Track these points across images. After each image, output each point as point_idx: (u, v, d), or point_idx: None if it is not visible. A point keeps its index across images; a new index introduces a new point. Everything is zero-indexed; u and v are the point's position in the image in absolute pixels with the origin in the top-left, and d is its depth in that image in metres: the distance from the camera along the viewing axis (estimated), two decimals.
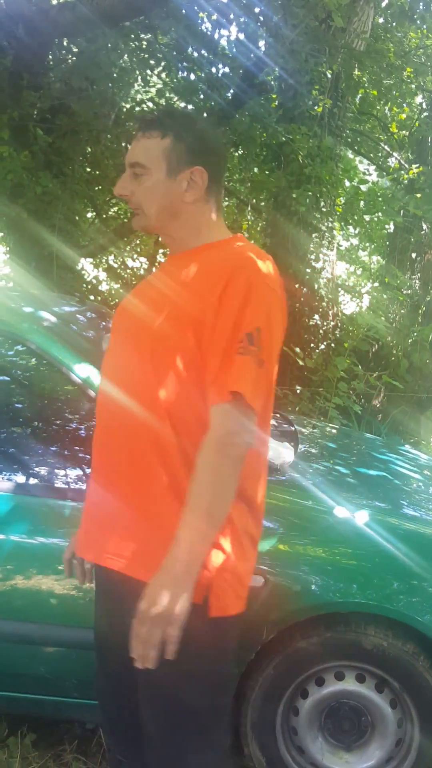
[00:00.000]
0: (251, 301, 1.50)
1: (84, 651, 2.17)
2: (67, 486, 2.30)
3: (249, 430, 1.51)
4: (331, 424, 4.65)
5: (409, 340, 7.19)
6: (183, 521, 1.46)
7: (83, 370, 2.29)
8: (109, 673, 1.79)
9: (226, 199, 10.72)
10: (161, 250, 12.04)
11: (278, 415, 3.54)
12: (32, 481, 2.40)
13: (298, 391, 6.19)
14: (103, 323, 3.29)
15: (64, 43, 6.29)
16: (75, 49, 6.25)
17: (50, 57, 6.26)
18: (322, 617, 2.20)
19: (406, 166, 8.92)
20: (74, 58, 6.27)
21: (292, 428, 3.34)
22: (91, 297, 7.69)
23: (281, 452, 2.74)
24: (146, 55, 6.81)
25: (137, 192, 1.64)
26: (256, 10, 6.16)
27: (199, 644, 1.50)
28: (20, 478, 2.39)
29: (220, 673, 1.62)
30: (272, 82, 6.99)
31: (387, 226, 9.63)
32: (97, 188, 8.77)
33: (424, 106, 9.36)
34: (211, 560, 1.52)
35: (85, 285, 8.52)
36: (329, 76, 6.72)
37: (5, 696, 2.31)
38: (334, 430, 4.12)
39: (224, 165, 1.84)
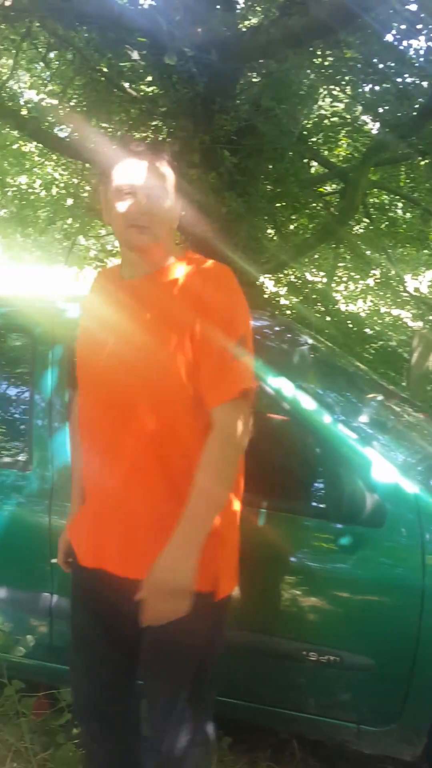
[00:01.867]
0: (238, 309, 1.73)
1: (280, 661, 2.23)
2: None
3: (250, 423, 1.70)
4: None
5: None
6: (194, 508, 1.61)
7: (276, 383, 2.34)
8: (92, 662, 1.91)
9: (411, 209, 10.51)
10: (340, 264, 12.04)
11: None
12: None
13: None
14: (291, 335, 3.34)
15: (255, 66, 6.43)
16: (264, 72, 6.38)
17: (241, 81, 6.44)
18: None
19: None
20: (263, 80, 6.40)
21: None
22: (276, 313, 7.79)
23: None
24: (332, 71, 6.82)
25: (151, 211, 1.74)
26: None
27: (203, 624, 1.70)
28: None
29: (215, 648, 1.80)
30: None
31: None
32: (278, 205, 8.91)
33: None
34: (215, 550, 1.68)
35: (266, 301, 8.66)
36: None
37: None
38: None
39: None
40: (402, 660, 2.15)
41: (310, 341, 3.42)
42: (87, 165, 8.38)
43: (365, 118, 8.01)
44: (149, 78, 6.88)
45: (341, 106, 7.88)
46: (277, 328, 3.39)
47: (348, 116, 7.98)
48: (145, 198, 1.69)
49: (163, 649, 1.72)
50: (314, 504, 2.47)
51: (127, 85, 6.98)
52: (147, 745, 1.79)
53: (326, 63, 6.94)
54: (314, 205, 9.75)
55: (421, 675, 2.14)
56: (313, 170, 9.50)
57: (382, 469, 2.22)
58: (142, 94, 7.15)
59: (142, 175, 1.70)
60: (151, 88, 7.15)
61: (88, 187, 9.18)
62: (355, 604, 2.21)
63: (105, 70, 6.95)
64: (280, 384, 2.34)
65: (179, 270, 1.76)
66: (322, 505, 2.37)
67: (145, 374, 1.69)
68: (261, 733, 2.61)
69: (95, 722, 1.94)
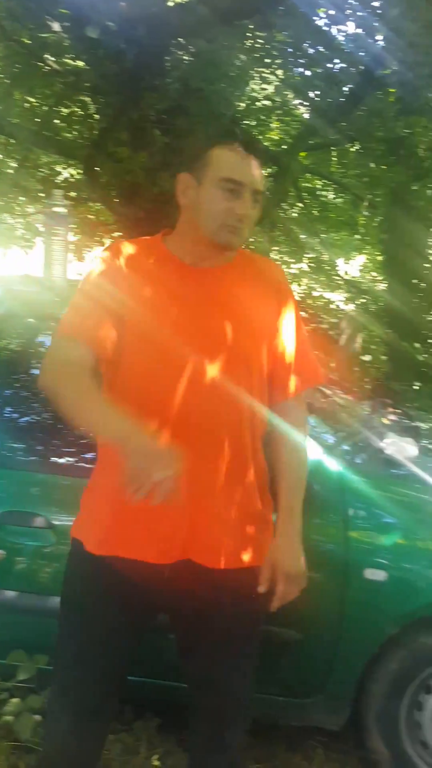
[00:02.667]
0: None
1: None
2: None
3: None
4: None
5: None
6: (297, 497, 1.73)
7: None
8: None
9: (342, 195, 10.65)
10: (274, 247, 12.11)
11: (399, 411, 3.50)
12: None
13: (417, 387, 6.08)
14: None
15: (183, 44, 6.38)
16: (193, 50, 6.34)
17: (168, 58, 6.38)
18: None
19: None
20: (192, 59, 6.37)
21: (414, 423, 3.30)
22: None
23: (404, 447, 2.72)
24: (262, 54, 6.83)
25: (253, 215, 1.67)
26: (375, 3, 6.09)
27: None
28: None
29: None
30: (391, 76, 6.87)
31: None
32: None
33: None
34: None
35: None
36: None
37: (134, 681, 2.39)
38: None
39: None
40: (327, 633, 2.20)
41: None
42: (11, 140, 8.18)
43: (296, 102, 8.04)
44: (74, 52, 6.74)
45: (271, 89, 7.89)
46: None
47: (279, 100, 8.01)
48: (252, 201, 1.64)
49: (245, 642, 1.75)
50: None
51: (51, 58, 6.83)
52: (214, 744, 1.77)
53: (257, 45, 6.95)
54: None
55: (344, 646, 2.20)
56: None
57: (308, 448, 2.25)
58: (67, 68, 7.00)
59: (254, 176, 1.63)
60: (77, 62, 7.00)
61: (13, 164, 8.97)
62: None
63: (26, 41, 6.77)
64: None
65: (247, 264, 1.76)
66: None
67: (249, 362, 1.69)
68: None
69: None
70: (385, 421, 3.20)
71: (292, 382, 1.76)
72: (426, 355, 6.28)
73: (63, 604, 1.75)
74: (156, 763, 2.38)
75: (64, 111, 7.86)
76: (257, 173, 1.64)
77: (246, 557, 1.69)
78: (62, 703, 1.73)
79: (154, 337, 1.65)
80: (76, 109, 7.81)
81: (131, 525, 1.63)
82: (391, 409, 3.48)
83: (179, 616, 1.74)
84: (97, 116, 7.54)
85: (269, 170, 9.66)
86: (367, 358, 7.24)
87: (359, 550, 2.21)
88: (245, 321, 1.69)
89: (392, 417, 3.33)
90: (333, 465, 2.28)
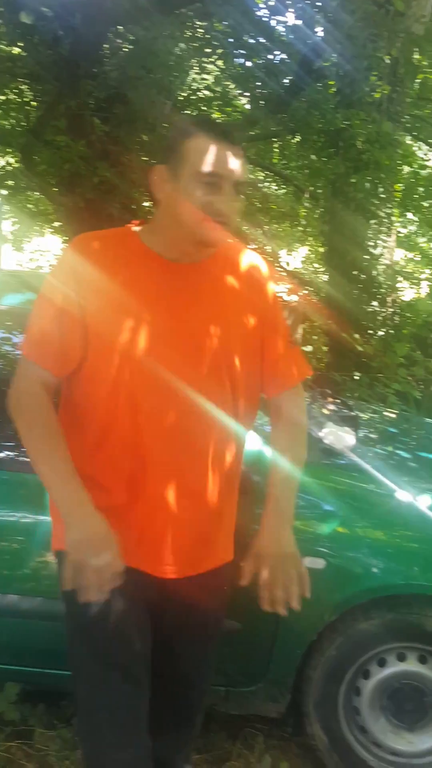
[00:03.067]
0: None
1: None
2: None
3: None
4: (390, 410, 4.63)
5: None
6: (293, 482, 1.74)
7: None
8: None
9: (283, 186, 10.70)
10: None
11: (338, 401, 3.54)
12: None
13: (357, 378, 6.15)
14: None
15: (120, 32, 6.31)
16: (131, 38, 6.27)
17: (107, 46, 6.30)
18: (383, 599, 2.21)
19: None
20: (131, 47, 6.30)
21: (353, 413, 3.34)
22: None
23: (342, 437, 2.74)
24: (202, 43, 6.80)
25: (237, 209, 1.59)
26: None
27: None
28: None
29: None
30: (330, 68, 6.92)
31: None
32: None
33: None
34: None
35: None
36: (387, 61, 6.61)
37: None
38: (393, 415, 4.10)
39: None
40: (267, 622, 2.20)
41: None
42: None
43: (236, 93, 8.04)
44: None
45: (211, 79, 7.87)
46: None
47: (219, 90, 7.98)
48: (233, 192, 1.55)
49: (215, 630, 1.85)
50: None
51: None
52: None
53: (197, 35, 6.91)
54: None
55: (283, 635, 2.21)
56: None
57: (248, 440, 2.25)
58: (2, 54, 6.85)
59: (233, 166, 1.54)
60: (11, 48, 6.85)
61: None
62: None
63: None
64: None
65: (231, 255, 1.72)
66: None
67: (233, 366, 1.65)
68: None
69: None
70: (324, 411, 3.22)
71: (293, 371, 1.77)
72: (366, 346, 6.35)
73: (79, 627, 1.65)
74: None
75: (0, 98, 7.69)
76: (237, 163, 1.55)
77: (216, 556, 1.74)
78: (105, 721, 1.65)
79: (125, 341, 1.55)
80: (13, 97, 7.65)
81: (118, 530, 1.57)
82: (330, 399, 3.51)
83: (161, 621, 1.73)
84: (34, 104, 7.41)
85: None
86: (308, 348, 7.30)
87: (298, 539, 2.20)
88: (232, 319, 1.65)
89: (331, 407, 3.35)
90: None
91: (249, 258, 1.75)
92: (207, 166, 1.51)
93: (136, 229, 1.66)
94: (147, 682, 1.69)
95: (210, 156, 1.52)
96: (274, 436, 1.78)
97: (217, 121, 1.67)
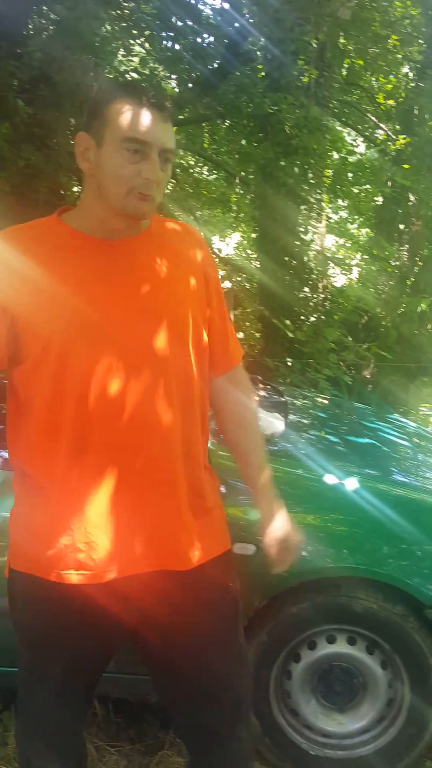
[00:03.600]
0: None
1: None
2: None
3: None
4: (321, 395, 4.67)
5: (398, 311, 7.21)
6: (267, 472, 1.75)
7: None
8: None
9: (215, 172, 10.66)
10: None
11: (269, 387, 3.54)
12: None
13: (289, 363, 6.19)
14: None
15: (44, 12, 6.15)
16: (55, 17, 6.12)
17: (30, 26, 6.14)
18: (313, 582, 2.22)
19: (393, 137, 8.87)
20: (54, 27, 6.15)
21: (283, 399, 3.34)
22: None
23: (272, 423, 2.74)
24: (129, 24, 6.69)
25: (164, 178, 1.49)
26: None
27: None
28: None
29: None
30: (257, 52, 6.91)
31: (375, 198, 9.60)
32: None
33: (411, 76, 9.30)
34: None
35: None
36: (315, 45, 6.65)
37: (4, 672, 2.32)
38: (324, 401, 4.13)
39: None
40: None
41: None
42: None
43: (164, 75, 7.95)
44: None
45: (137, 60, 7.77)
46: None
47: (146, 72, 7.89)
48: (161, 161, 1.45)
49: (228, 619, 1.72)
50: None
51: None
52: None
53: (124, 15, 6.80)
54: None
55: None
56: None
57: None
58: None
59: (160, 133, 1.43)
60: None
61: None
62: None
63: None
64: None
65: (164, 229, 1.63)
66: None
67: (185, 336, 1.56)
68: None
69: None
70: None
71: (233, 349, 1.71)
72: (297, 332, 6.40)
73: (25, 642, 1.63)
74: None
75: None
76: (164, 129, 1.44)
77: (211, 548, 1.64)
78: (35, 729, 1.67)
79: (60, 328, 1.46)
80: None
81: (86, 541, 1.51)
82: (261, 385, 3.51)
83: (152, 626, 1.60)
84: None
85: None
86: (240, 335, 7.31)
87: (229, 525, 2.21)
88: (172, 292, 1.55)
89: (261, 393, 3.36)
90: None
91: (184, 231, 1.68)
92: (132, 131, 1.42)
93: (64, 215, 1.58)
94: (86, 689, 1.68)
95: (135, 120, 1.42)
96: (230, 427, 1.74)
97: (143, 84, 1.55)
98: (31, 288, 1.47)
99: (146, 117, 1.42)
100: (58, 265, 1.49)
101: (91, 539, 1.50)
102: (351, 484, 2.35)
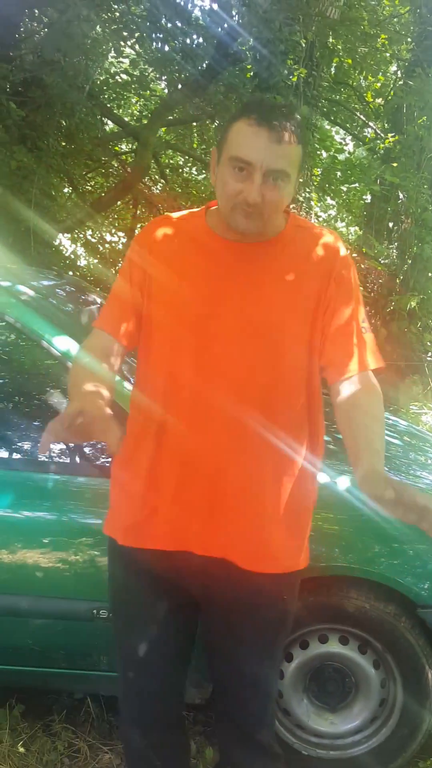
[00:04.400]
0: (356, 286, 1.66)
1: (70, 622, 2.21)
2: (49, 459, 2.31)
3: None
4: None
5: (387, 309, 7.23)
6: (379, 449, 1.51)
7: (63, 344, 2.29)
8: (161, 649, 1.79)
9: (204, 171, 10.67)
10: (139, 224, 12.02)
11: None
12: (15, 455, 2.40)
13: None
14: (82, 297, 3.28)
15: (35, 15, 6.16)
16: (46, 20, 6.13)
17: (21, 29, 6.15)
18: (305, 581, 2.22)
19: (382, 135, 8.90)
20: (45, 30, 6.15)
21: None
22: (70, 272, 7.63)
23: None
24: (119, 26, 6.69)
25: (270, 198, 1.50)
26: None
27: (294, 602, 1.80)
28: (2, 453, 2.39)
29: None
30: (246, 52, 6.92)
31: (364, 197, 9.62)
32: (72, 162, 8.70)
33: (399, 74, 9.34)
34: (307, 528, 1.77)
35: (63, 261, 8.46)
36: (303, 45, 6.66)
37: None
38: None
39: None
40: None
41: (99, 300, 3.38)
42: None
43: (154, 76, 7.96)
44: None
45: (127, 62, 7.77)
46: (66, 288, 3.31)
47: (137, 74, 7.89)
48: (268, 182, 1.47)
49: (269, 629, 1.73)
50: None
51: None
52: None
53: (115, 17, 6.80)
54: (109, 163, 9.63)
55: None
56: (108, 128, 9.34)
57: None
58: None
59: (267, 154, 1.45)
60: None
61: None
62: None
63: None
64: (67, 345, 2.29)
65: (298, 234, 1.65)
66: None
67: (281, 342, 1.59)
68: (54, 697, 2.60)
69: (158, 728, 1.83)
70: None
71: (351, 363, 1.60)
72: None
73: (110, 602, 1.81)
74: (21, 749, 2.34)
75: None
76: (273, 150, 1.45)
77: (282, 562, 1.67)
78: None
79: (178, 313, 1.61)
80: None
81: (149, 516, 1.65)
82: None
83: (209, 610, 1.72)
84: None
85: (131, 145, 9.57)
86: None
87: None
88: (283, 299, 1.59)
89: None
90: None
91: (317, 234, 1.67)
92: (236, 150, 1.47)
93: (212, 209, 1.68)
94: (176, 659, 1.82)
95: (243, 140, 1.46)
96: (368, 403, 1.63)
97: (271, 103, 1.55)
98: (159, 273, 1.63)
99: (255, 137, 1.46)
100: (182, 255, 1.64)
101: (171, 517, 1.64)
102: (342, 482, 2.36)
